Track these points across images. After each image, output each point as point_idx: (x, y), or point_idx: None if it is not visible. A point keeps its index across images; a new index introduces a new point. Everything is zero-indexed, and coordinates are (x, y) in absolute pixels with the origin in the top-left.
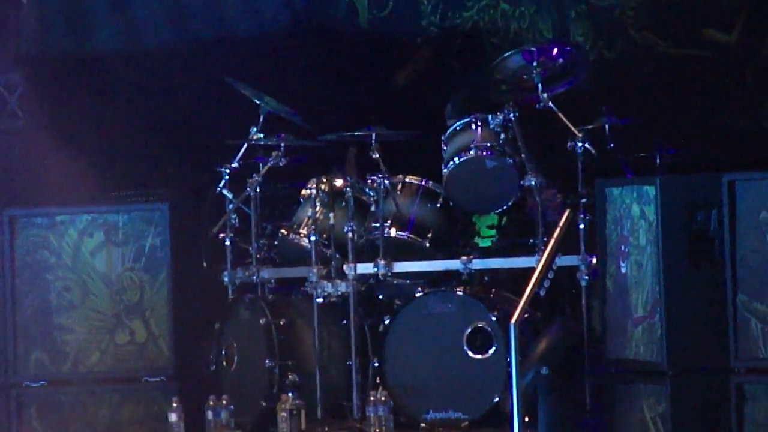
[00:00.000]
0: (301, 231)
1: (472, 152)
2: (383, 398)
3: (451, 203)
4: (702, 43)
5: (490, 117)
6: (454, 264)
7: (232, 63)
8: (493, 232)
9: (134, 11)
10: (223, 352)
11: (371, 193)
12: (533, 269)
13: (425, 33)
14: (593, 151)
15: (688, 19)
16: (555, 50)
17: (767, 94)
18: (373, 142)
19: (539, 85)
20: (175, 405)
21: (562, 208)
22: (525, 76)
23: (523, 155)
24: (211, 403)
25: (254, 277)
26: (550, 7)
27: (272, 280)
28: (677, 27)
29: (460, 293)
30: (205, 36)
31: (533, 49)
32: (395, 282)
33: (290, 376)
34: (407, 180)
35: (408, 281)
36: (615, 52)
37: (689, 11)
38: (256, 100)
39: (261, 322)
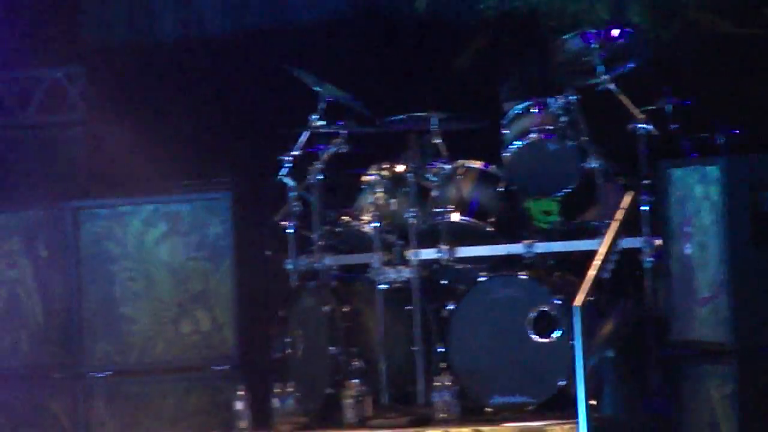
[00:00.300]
0: (363, 217)
1: (533, 135)
2: (448, 383)
3: (512, 187)
4: (762, 21)
5: (550, 100)
6: (516, 248)
7: (292, 51)
8: (549, 218)
9: (196, 0)
10: (288, 340)
11: (433, 179)
12: (596, 252)
13: (483, 16)
14: (655, 133)
15: None
16: (615, 31)
17: None
18: (434, 127)
19: (599, 67)
20: (240, 393)
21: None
22: (585, 59)
23: (584, 138)
24: (277, 390)
25: (317, 265)
26: None
27: (335, 267)
28: (736, 5)
29: (524, 277)
30: (265, 24)
31: (593, 31)
32: (458, 267)
33: (355, 363)
34: (468, 164)
35: (471, 266)
36: (672, 32)
37: None
38: (316, 88)
39: (325, 309)
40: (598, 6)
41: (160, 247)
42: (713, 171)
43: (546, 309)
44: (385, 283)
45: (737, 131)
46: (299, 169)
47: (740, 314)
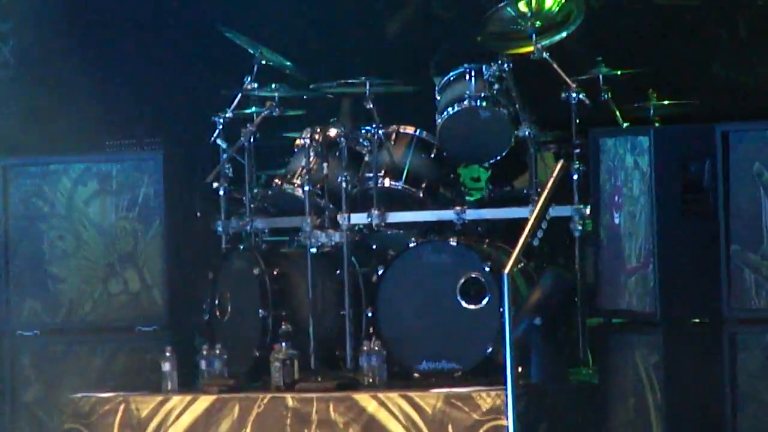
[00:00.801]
0: (295, 181)
1: (465, 102)
2: (377, 348)
3: (444, 153)
4: None
5: (484, 67)
6: (447, 214)
7: (227, 11)
8: (478, 184)
9: None
10: (217, 302)
11: (365, 143)
12: (527, 220)
13: None
14: (587, 102)
15: None
16: (549, 0)
17: (760, 45)
18: (367, 92)
19: (533, 36)
20: (168, 354)
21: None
22: (519, 27)
23: (517, 106)
24: (204, 352)
25: (248, 227)
26: None
27: (266, 230)
28: None
29: (454, 243)
30: None
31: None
32: (389, 232)
33: (283, 326)
34: (401, 130)
35: (401, 231)
36: (602, 1)
37: None
38: (250, 50)
39: (254, 272)
40: None
41: (89, 207)
42: (644, 141)
43: (475, 275)
44: (315, 247)
45: (668, 101)
46: (232, 132)
47: (666, 285)
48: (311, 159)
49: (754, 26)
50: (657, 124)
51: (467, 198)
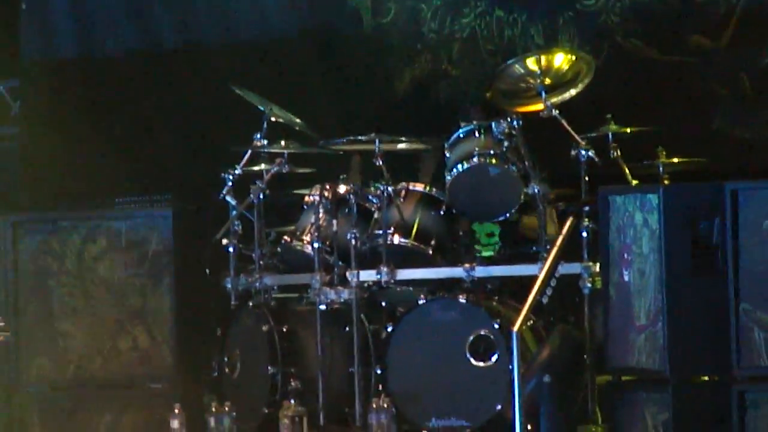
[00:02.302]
0: (304, 237)
1: (475, 159)
2: (385, 405)
3: (453, 211)
4: (689, 49)
5: (493, 124)
6: (456, 271)
7: (237, 69)
8: (492, 239)
9: (143, 16)
10: (226, 359)
11: (374, 200)
12: (536, 277)
13: (425, 38)
14: (596, 159)
15: (674, 25)
16: (559, 58)
17: (765, 102)
18: (377, 149)
19: (543, 93)
20: (177, 411)
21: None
22: (528, 84)
23: (526, 163)
24: (213, 409)
25: (257, 284)
26: (540, 14)
27: (275, 287)
28: (663, 34)
29: (463, 301)
30: (211, 41)
31: (537, 56)
32: (398, 289)
33: (292, 383)
34: (410, 187)
35: (411, 288)
36: (602, 57)
37: (676, 18)
38: (260, 107)
39: (263, 328)
40: (532, 30)
41: (99, 263)
42: (653, 198)
43: (484, 333)
44: (324, 304)
45: (677, 159)
46: (241, 188)
47: (676, 343)
48: (320, 216)
49: (758, 84)
50: (666, 182)
51: (483, 254)
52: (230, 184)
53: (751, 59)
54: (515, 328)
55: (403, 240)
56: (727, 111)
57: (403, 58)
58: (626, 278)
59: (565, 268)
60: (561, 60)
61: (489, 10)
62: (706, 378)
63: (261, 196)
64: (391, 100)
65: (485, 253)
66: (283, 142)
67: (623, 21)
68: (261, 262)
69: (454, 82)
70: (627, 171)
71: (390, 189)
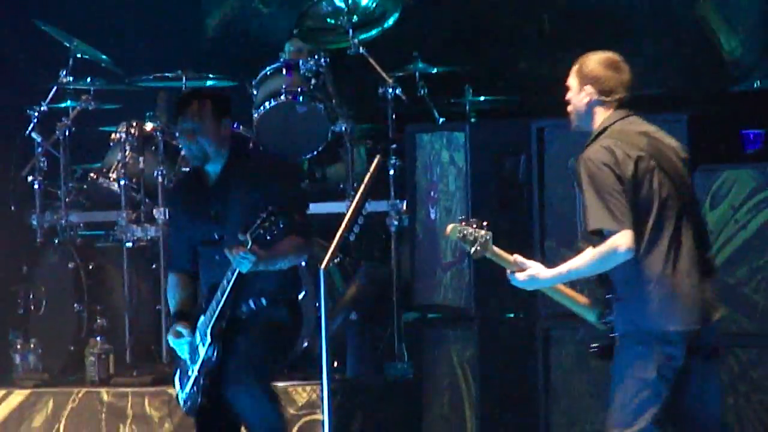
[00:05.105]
0: (110, 175)
1: (282, 97)
2: None
3: (261, 148)
4: None
5: (301, 62)
6: None
7: (42, 5)
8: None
9: None
10: (32, 296)
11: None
12: (343, 215)
13: None
14: (404, 97)
15: None
16: None
17: (564, 42)
18: (184, 86)
19: (350, 31)
20: None
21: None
22: (336, 22)
23: (334, 101)
24: (19, 346)
25: (63, 221)
26: None
27: (81, 225)
28: None
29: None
30: None
31: None
32: None
33: (99, 321)
34: None
35: None
36: None
37: None
38: (65, 43)
39: (69, 266)
40: None
41: None
42: (459, 136)
43: None
44: (131, 241)
45: (483, 97)
46: (47, 125)
47: (481, 280)
48: (127, 153)
49: (557, 23)
50: (473, 120)
51: None
52: (36, 120)
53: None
54: (323, 266)
55: None
56: (532, 50)
57: None
58: (433, 216)
59: (373, 206)
60: None
61: None
62: (512, 315)
63: (67, 133)
64: (201, 38)
65: None
66: (89, 79)
67: None
68: (67, 199)
69: (265, 20)
70: (434, 109)
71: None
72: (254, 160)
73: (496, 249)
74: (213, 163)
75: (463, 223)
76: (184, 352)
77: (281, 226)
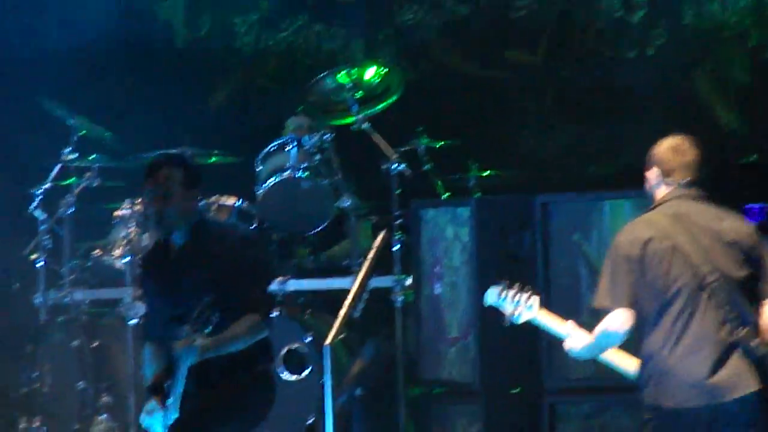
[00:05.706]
0: (115, 252)
1: (286, 173)
2: None
3: (265, 224)
4: (505, 63)
5: (304, 138)
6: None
7: (46, 81)
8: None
9: None
10: (36, 375)
11: None
12: (348, 290)
13: (240, 54)
14: (408, 172)
15: (491, 40)
16: (369, 71)
17: (565, 115)
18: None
19: (354, 107)
20: None
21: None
22: (340, 98)
23: (338, 176)
24: (23, 425)
25: (67, 299)
26: (360, 29)
27: (86, 302)
28: (481, 48)
29: (275, 314)
30: (19, 53)
31: (347, 70)
32: None
33: (104, 398)
34: (222, 201)
35: None
36: (420, 72)
37: (493, 33)
38: (69, 121)
39: (74, 344)
40: (352, 45)
41: None
42: (464, 212)
43: (297, 347)
44: (135, 318)
45: (487, 173)
46: (50, 203)
47: (487, 355)
48: (131, 230)
49: (559, 97)
50: (478, 195)
51: (290, 269)
52: (39, 198)
53: (557, 74)
54: (328, 342)
55: None
56: (533, 126)
57: (217, 72)
58: (438, 291)
59: (377, 282)
60: (372, 73)
61: (307, 24)
62: (517, 390)
63: (70, 210)
64: (206, 115)
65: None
66: (92, 156)
67: (441, 36)
68: (71, 277)
69: (271, 96)
70: (439, 184)
71: (202, 202)
72: (214, 234)
73: (545, 313)
74: (177, 234)
75: (507, 287)
76: (158, 429)
77: (217, 317)
